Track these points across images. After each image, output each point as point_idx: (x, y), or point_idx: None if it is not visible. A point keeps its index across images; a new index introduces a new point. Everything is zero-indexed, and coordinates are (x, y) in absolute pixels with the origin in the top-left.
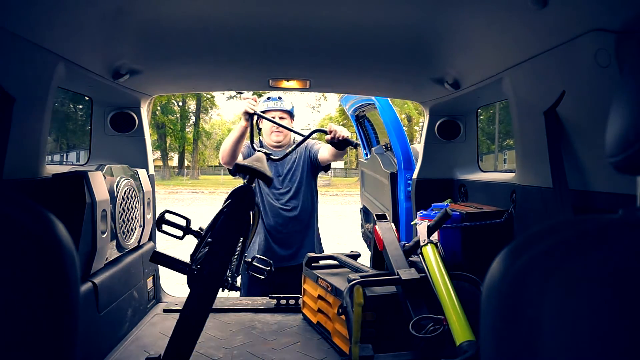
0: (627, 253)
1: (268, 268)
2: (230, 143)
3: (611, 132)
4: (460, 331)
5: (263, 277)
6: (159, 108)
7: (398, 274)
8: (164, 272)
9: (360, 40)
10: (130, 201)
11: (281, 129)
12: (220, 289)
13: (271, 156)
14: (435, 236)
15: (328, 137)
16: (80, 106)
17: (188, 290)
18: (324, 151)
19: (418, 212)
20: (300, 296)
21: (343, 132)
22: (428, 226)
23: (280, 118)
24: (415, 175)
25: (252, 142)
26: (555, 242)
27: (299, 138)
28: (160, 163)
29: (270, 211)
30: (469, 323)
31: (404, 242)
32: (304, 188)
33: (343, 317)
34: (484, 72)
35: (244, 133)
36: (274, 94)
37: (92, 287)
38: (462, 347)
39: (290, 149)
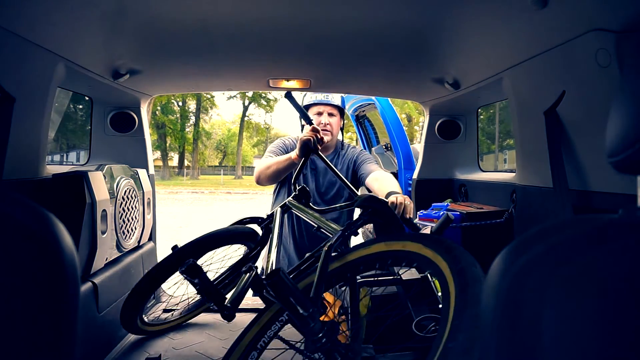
0: (627, 253)
1: None
2: (273, 172)
3: (611, 132)
4: None
5: None
6: (159, 108)
7: (398, 274)
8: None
9: (361, 40)
10: (130, 201)
11: (329, 127)
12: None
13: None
14: None
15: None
16: (80, 106)
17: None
18: (373, 181)
19: (418, 212)
20: None
21: (409, 212)
22: (430, 232)
23: (330, 115)
24: (415, 175)
25: (295, 181)
26: (555, 242)
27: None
28: (160, 163)
29: (306, 231)
30: None
31: None
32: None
33: (343, 317)
34: (484, 72)
35: (291, 168)
36: None
37: (92, 287)
38: None
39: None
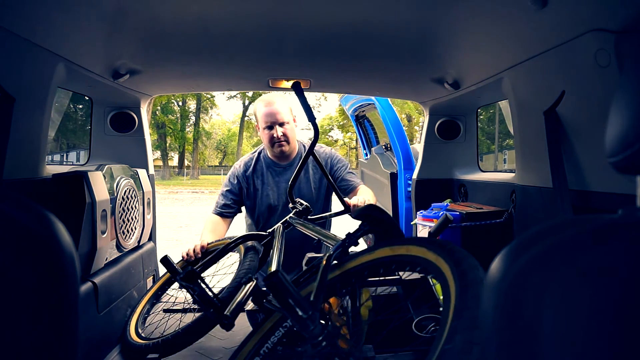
0: (627, 253)
1: None
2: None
3: (611, 132)
4: None
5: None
6: (159, 108)
7: (398, 274)
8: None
9: (361, 40)
10: (130, 201)
11: (284, 137)
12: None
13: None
14: None
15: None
16: (80, 106)
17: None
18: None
19: (418, 212)
20: None
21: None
22: (429, 232)
23: (280, 125)
24: (415, 175)
25: (291, 190)
26: (555, 242)
27: (306, 141)
28: (160, 163)
29: (296, 244)
30: None
31: None
32: (320, 213)
33: (343, 317)
34: (484, 72)
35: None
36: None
37: (92, 287)
38: None
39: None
